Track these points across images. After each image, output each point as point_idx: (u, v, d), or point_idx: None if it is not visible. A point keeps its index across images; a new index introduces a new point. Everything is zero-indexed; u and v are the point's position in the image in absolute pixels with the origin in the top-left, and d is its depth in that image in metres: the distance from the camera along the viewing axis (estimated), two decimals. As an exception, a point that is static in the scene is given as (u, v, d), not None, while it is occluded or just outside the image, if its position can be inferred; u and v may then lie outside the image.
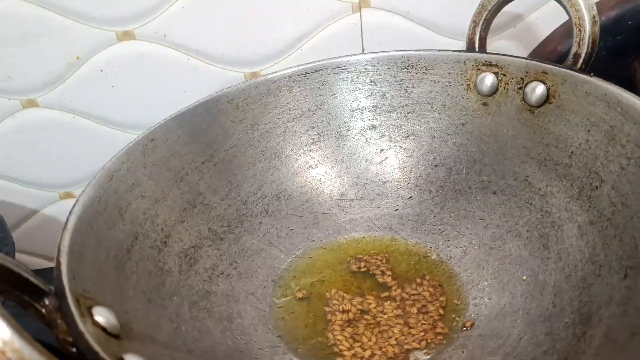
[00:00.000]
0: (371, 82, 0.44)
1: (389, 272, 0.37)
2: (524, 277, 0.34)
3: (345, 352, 0.32)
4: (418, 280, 0.36)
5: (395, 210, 0.42)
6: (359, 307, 0.35)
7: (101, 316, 0.26)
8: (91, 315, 0.25)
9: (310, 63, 0.44)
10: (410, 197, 0.42)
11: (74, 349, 0.24)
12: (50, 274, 0.26)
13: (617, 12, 0.44)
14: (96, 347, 0.22)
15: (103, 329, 0.25)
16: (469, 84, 0.41)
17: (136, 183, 0.36)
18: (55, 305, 0.25)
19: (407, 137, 0.43)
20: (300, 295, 0.36)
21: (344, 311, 0.34)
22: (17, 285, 0.24)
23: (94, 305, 0.26)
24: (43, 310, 0.25)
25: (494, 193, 0.39)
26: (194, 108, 0.41)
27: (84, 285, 0.27)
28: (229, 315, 0.34)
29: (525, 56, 0.47)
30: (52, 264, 0.27)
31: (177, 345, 0.30)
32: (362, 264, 0.38)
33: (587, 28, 0.36)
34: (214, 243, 0.38)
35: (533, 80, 0.38)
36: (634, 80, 0.44)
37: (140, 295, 0.31)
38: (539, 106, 0.38)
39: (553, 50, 0.45)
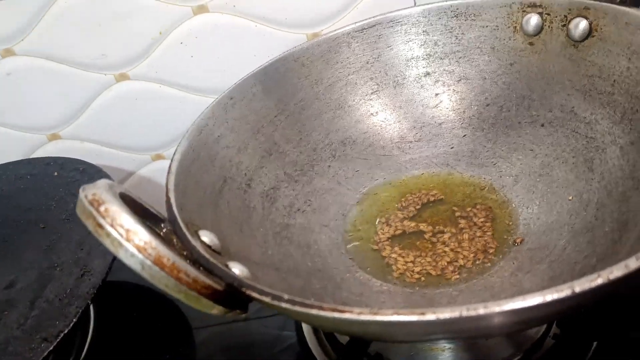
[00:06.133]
0: (423, 32, 0.47)
1: (444, 201, 0.42)
2: (570, 198, 0.38)
3: (400, 266, 0.37)
4: (469, 208, 0.41)
5: (451, 148, 0.46)
6: (416, 229, 0.40)
7: (206, 237, 0.32)
8: (198, 236, 0.31)
9: (366, 19, 0.48)
10: (465, 135, 0.46)
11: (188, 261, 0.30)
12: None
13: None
14: (207, 256, 0.28)
15: (209, 246, 0.31)
16: (516, 26, 0.44)
17: (221, 136, 0.42)
18: (170, 229, 0.31)
19: (460, 80, 0.47)
20: (367, 225, 0.42)
21: (400, 234, 0.40)
22: (141, 213, 0.30)
23: (199, 229, 0.32)
24: (161, 233, 0.31)
25: (542, 125, 0.42)
26: (265, 68, 0.46)
27: (189, 215, 0.33)
28: (307, 243, 0.40)
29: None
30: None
31: (267, 264, 0.36)
32: (419, 197, 0.43)
33: (624, -38, 0.38)
34: (290, 184, 0.43)
35: (576, 17, 0.41)
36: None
37: (234, 226, 0.37)
38: (582, 40, 0.40)
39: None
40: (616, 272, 0.21)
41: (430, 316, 0.22)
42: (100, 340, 0.48)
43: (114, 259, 0.42)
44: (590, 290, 0.21)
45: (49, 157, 0.56)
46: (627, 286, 0.29)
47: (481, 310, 0.21)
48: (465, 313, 0.22)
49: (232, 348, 0.46)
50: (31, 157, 0.59)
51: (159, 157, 0.61)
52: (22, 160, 0.58)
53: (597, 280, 0.21)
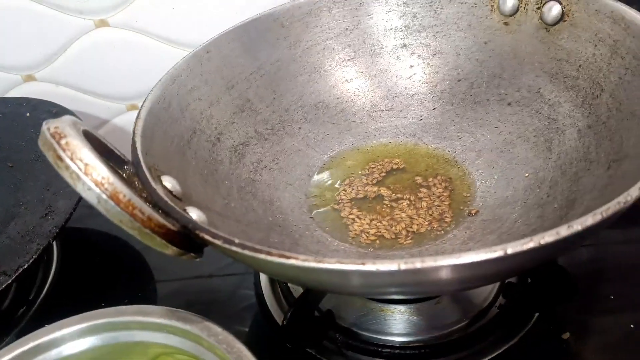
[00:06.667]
0: (404, 3, 0.48)
1: (407, 170, 0.43)
2: (526, 175, 0.39)
3: (357, 227, 0.39)
4: (430, 178, 0.42)
5: (420, 120, 0.47)
6: (377, 193, 0.41)
7: (168, 182, 0.32)
8: (160, 181, 0.32)
9: (349, -15, 0.48)
10: (434, 108, 0.47)
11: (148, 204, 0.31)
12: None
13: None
14: (166, 198, 0.29)
15: (170, 191, 0.32)
16: (493, 5, 0.45)
17: (194, 87, 0.42)
18: (133, 172, 0.32)
19: (435, 54, 0.48)
20: (330, 186, 0.43)
21: (362, 198, 0.41)
22: (105, 153, 0.31)
23: (162, 175, 0.33)
24: (124, 175, 0.32)
25: (509, 104, 0.43)
26: (244, 25, 0.46)
27: (154, 161, 0.34)
28: (270, 199, 0.41)
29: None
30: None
31: (228, 216, 0.37)
32: (383, 165, 0.44)
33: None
34: (259, 142, 0.44)
35: (550, 0, 0.41)
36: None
37: (198, 177, 0.38)
38: (555, 24, 0.41)
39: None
40: (547, 237, 0.23)
41: (370, 267, 0.23)
42: (61, 281, 0.49)
43: (79, 200, 0.43)
44: (522, 253, 0.22)
45: (22, 98, 0.56)
46: (561, 253, 0.31)
47: (418, 264, 0.23)
48: (403, 266, 0.23)
49: (195, 303, 0.47)
50: (4, 96, 0.59)
51: (133, 107, 0.61)
52: (-6, 99, 0.57)
53: (529, 244, 0.23)
